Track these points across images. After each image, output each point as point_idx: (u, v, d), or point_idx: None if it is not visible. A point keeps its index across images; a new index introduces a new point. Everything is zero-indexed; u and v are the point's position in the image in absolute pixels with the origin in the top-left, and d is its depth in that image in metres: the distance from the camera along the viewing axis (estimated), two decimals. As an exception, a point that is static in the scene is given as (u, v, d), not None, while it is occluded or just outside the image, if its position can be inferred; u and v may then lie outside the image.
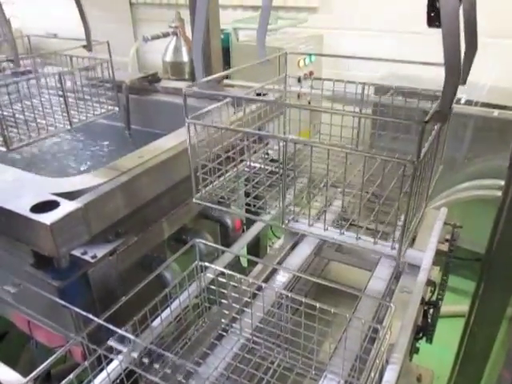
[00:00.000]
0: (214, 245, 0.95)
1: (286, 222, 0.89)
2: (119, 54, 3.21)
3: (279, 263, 1.23)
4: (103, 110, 1.25)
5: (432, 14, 1.02)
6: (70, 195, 0.86)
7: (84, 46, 1.25)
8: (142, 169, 0.99)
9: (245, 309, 0.95)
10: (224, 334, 0.97)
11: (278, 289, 0.91)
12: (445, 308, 1.29)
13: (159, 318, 0.90)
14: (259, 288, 0.94)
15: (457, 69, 0.59)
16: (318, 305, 0.81)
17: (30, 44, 1.45)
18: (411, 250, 1.16)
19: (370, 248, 0.84)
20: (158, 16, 3.61)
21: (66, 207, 0.80)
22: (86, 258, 0.90)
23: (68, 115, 1.15)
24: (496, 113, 1.93)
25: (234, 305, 0.95)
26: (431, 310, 1.21)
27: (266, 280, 1.12)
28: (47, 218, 0.75)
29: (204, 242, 0.94)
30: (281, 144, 0.77)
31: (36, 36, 1.50)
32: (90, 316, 0.68)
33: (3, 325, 1.83)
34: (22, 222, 0.78)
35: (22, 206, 0.79)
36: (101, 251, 0.92)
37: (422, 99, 0.98)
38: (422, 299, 1.12)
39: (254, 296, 0.95)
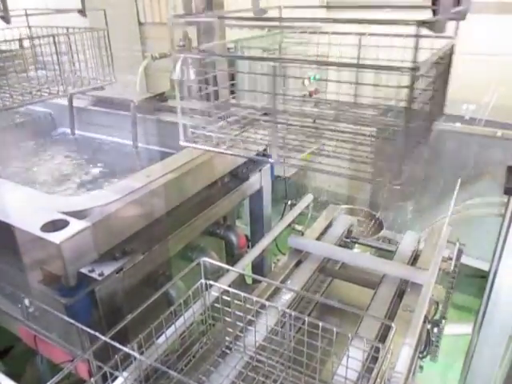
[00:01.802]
0: (219, 263, 0.96)
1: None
2: (128, 72, 3.27)
3: (283, 281, 1.24)
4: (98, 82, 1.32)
5: None
6: (79, 214, 0.89)
7: (79, 11, 1.35)
8: (149, 188, 1.01)
9: (248, 327, 0.96)
10: (228, 351, 0.98)
11: (282, 307, 0.93)
12: (450, 326, 1.29)
13: (164, 336, 0.92)
14: (263, 306, 0.95)
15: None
16: (320, 324, 0.82)
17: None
18: (414, 269, 1.17)
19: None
20: (166, 34, 3.67)
21: (75, 226, 0.82)
22: (94, 275, 0.92)
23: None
24: (499, 133, 1.95)
25: (237, 323, 0.97)
26: (435, 329, 1.22)
27: (271, 297, 1.13)
28: (57, 237, 0.78)
29: (210, 260, 0.96)
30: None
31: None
32: (97, 334, 0.69)
33: (9, 339, 1.84)
34: (33, 241, 0.81)
35: (33, 225, 0.81)
36: (108, 269, 0.94)
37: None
38: (426, 318, 1.13)
39: (258, 314, 0.96)
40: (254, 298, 0.93)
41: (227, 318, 0.98)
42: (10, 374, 1.86)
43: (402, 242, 1.41)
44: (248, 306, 0.93)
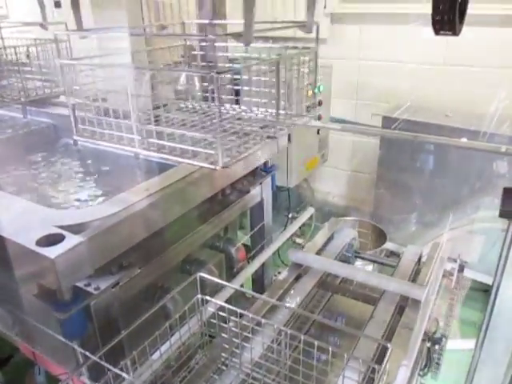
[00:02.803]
0: (216, 279, 0.95)
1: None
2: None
3: (282, 295, 1.23)
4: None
5: (437, 18, 1.05)
6: (75, 228, 0.89)
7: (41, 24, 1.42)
8: (147, 202, 1.01)
9: (245, 344, 0.95)
10: (224, 368, 0.97)
11: (278, 325, 0.92)
12: (453, 341, 1.27)
13: (158, 352, 0.91)
14: (259, 323, 0.94)
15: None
16: (316, 343, 0.81)
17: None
18: (414, 285, 1.16)
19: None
20: (170, 44, 3.70)
21: (71, 241, 0.82)
22: (89, 289, 0.92)
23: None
24: (503, 148, 1.93)
25: (234, 339, 0.96)
26: (436, 346, 1.20)
27: (269, 313, 1.12)
28: (52, 252, 0.77)
29: (206, 276, 0.95)
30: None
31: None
32: (86, 353, 0.68)
33: (8, 349, 1.84)
34: (28, 254, 0.80)
35: (29, 239, 0.81)
36: (104, 283, 0.94)
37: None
38: (426, 335, 1.12)
39: (255, 331, 0.95)
40: (250, 315, 0.92)
41: (224, 334, 0.97)
42: (8, 384, 1.85)
43: (403, 256, 1.40)
44: (244, 322, 0.93)
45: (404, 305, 1.13)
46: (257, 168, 1.46)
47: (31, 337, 1.04)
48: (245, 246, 1.57)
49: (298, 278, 1.31)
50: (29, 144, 1.68)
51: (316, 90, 2.93)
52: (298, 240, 1.58)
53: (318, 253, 1.41)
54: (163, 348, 0.91)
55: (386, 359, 0.77)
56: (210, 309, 0.96)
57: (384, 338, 1.04)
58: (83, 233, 0.87)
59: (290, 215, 2.76)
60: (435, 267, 1.23)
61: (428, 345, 1.12)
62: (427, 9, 1.05)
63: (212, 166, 0.87)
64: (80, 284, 0.92)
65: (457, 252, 1.37)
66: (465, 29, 1.10)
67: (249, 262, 1.42)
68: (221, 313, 0.93)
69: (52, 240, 0.81)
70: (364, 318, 1.14)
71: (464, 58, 2.64)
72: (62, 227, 0.87)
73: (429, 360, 1.17)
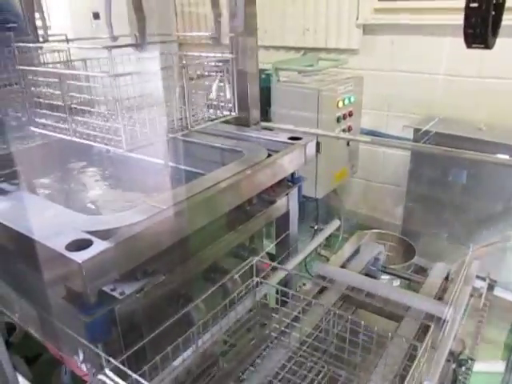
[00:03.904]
0: (272, 262, 1.16)
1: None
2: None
3: (305, 308, 1.23)
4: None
5: (469, 31, 1.04)
6: (103, 233, 0.91)
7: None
8: (174, 210, 1.03)
9: (294, 323, 1.09)
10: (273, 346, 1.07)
11: (327, 305, 1.09)
12: (481, 363, 1.24)
13: (181, 358, 0.93)
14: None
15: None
16: (362, 322, 0.95)
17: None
18: (440, 303, 1.13)
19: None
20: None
21: (98, 246, 0.84)
22: (115, 294, 0.94)
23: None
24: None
25: (284, 319, 1.10)
26: (463, 368, 1.16)
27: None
28: (79, 257, 0.80)
29: (262, 260, 1.16)
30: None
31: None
32: (110, 359, 0.70)
33: (37, 348, 1.90)
34: (58, 258, 0.83)
35: (59, 243, 0.84)
36: (129, 288, 0.96)
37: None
38: (452, 356, 1.09)
39: (303, 312, 1.11)
40: (302, 296, 1.11)
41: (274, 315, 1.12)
42: (36, 382, 1.91)
43: (430, 273, 1.37)
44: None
45: (429, 323, 1.11)
46: (284, 179, 1.46)
47: (57, 338, 1.07)
48: (270, 254, 1.57)
49: (321, 291, 1.30)
50: (63, 150, 1.74)
51: (346, 101, 2.92)
52: (324, 252, 1.57)
53: (343, 266, 1.40)
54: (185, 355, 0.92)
55: (427, 337, 0.86)
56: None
57: (407, 356, 1.02)
58: (111, 239, 0.90)
59: (316, 227, 2.74)
60: (463, 285, 1.19)
61: (453, 366, 1.09)
62: (461, 20, 1.04)
63: (117, 149, 1.11)
64: (106, 288, 0.94)
65: (487, 270, 1.33)
66: (499, 40, 1.08)
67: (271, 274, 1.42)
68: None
69: (80, 245, 0.84)
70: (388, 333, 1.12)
71: (499, 70, 2.58)
72: (90, 232, 0.90)
73: (454, 382, 1.14)
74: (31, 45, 1.35)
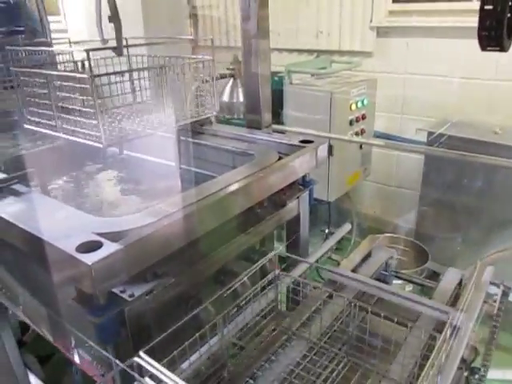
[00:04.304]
0: (294, 256, 1.23)
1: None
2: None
3: (315, 311, 1.23)
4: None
5: (484, 34, 1.02)
6: (114, 235, 0.92)
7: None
8: (184, 213, 1.03)
9: (314, 315, 1.15)
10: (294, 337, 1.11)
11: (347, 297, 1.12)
12: (495, 371, 1.22)
13: (187, 362, 0.93)
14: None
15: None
16: (382, 314, 1.01)
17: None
18: (452, 310, 1.11)
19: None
20: (217, 58, 3.78)
21: (108, 248, 0.85)
22: (124, 296, 0.94)
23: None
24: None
25: (304, 311, 1.16)
26: (475, 376, 1.15)
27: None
28: (89, 259, 0.81)
29: (286, 253, 1.24)
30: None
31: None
32: (116, 361, 0.70)
33: (50, 347, 1.92)
34: (68, 260, 0.84)
35: (69, 245, 0.85)
36: (138, 290, 0.96)
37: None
38: (464, 363, 1.07)
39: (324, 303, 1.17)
40: (323, 288, 1.18)
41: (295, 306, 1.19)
42: (49, 382, 1.93)
43: (443, 278, 1.36)
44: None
45: (440, 329, 1.09)
46: (295, 182, 1.46)
47: (66, 338, 1.08)
48: (280, 257, 1.56)
49: (331, 296, 1.29)
50: (76, 152, 1.76)
51: (360, 104, 2.91)
52: (335, 256, 1.55)
53: (354, 270, 1.38)
54: (193, 357, 0.92)
55: (446, 326, 0.91)
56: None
57: (418, 363, 1.01)
58: (121, 241, 0.90)
59: (327, 230, 2.73)
60: (476, 291, 1.17)
61: (466, 374, 1.07)
62: (476, 22, 1.02)
63: (97, 144, 1.22)
64: (116, 290, 0.95)
65: (502, 276, 1.31)
66: (516, 41, 1.06)
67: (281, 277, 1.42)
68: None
69: (90, 246, 0.85)
70: (398, 341, 1.10)
71: (516, 72, 2.54)
72: (101, 234, 0.91)
73: (466, 391, 1.12)
74: (28, 48, 1.50)
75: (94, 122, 1.19)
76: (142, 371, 0.78)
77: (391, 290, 1.20)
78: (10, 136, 1.88)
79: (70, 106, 1.29)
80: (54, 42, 2.10)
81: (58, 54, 1.55)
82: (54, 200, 1.14)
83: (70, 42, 1.74)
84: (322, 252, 1.34)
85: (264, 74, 1.72)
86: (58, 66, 1.57)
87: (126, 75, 1.38)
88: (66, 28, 4.67)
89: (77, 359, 1.23)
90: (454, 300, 1.23)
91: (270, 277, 1.17)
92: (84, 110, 1.23)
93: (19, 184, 1.17)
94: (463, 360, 1.05)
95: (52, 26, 2.87)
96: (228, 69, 3.13)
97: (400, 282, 1.57)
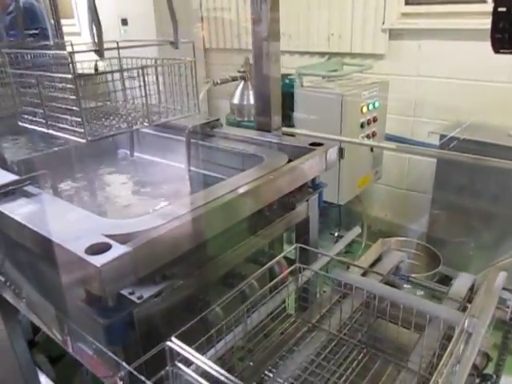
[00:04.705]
0: (313, 249, 1.26)
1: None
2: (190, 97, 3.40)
3: (324, 314, 1.22)
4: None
5: (497, 36, 1.01)
6: (123, 237, 0.92)
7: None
8: (191, 216, 1.03)
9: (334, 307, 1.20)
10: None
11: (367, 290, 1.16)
12: (507, 378, 1.20)
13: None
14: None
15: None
16: (401, 305, 1.06)
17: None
18: (463, 315, 1.09)
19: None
20: (229, 60, 3.80)
21: (117, 250, 0.85)
22: (133, 298, 0.95)
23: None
24: None
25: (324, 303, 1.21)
26: (488, 383, 1.13)
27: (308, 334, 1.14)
28: (98, 260, 0.81)
29: (306, 247, 1.24)
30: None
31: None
32: (123, 363, 0.71)
33: (61, 348, 1.93)
34: (77, 262, 0.85)
35: (78, 247, 0.85)
36: (147, 292, 0.96)
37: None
38: (476, 369, 1.05)
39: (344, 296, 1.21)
40: (343, 281, 1.19)
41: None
42: (60, 382, 1.94)
43: (454, 283, 1.34)
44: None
45: (451, 335, 1.08)
46: (304, 184, 1.45)
47: (76, 339, 1.09)
48: (289, 260, 1.56)
49: (340, 299, 1.28)
50: (87, 153, 1.78)
51: (371, 106, 2.89)
52: (344, 259, 1.54)
53: (364, 274, 1.37)
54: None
55: (466, 314, 0.94)
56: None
57: (428, 368, 1.00)
58: (130, 242, 0.91)
59: (337, 234, 2.71)
60: (488, 296, 1.15)
61: (477, 381, 1.05)
62: (489, 24, 1.01)
63: (80, 139, 1.30)
64: (124, 292, 0.95)
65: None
66: (531, 44, 1.05)
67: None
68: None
69: (99, 248, 0.85)
70: (408, 346, 1.09)
71: (531, 75, 2.51)
72: (110, 236, 0.91)
73: (478, 399, 1.10)
74: (24, 51, 1.58)
75: (79, 119, 1.28)
76: (173, 355, 0.83)
77: (401, 294, 1.19)
78: (23, 138, 1.91)
79: (58, 105, 1.40)
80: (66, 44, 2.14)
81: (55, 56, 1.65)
82: (65, 201, 1.14)
83: (72, 45, 1.81)
84: (332, 255, 1.33)
85: (274, 76, 1.71)
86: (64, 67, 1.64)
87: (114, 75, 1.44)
88: (79, 31, 4.74)
89: (85, 360, 1.24)
90: (466, 305, 1.21)
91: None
92: (70, 108, 1.34)
93: (31, 185, 1.18)
94: (475, 366, 1.03)
95: (66, 29, 2.91)
96: (239, 71, 3.14)
97: (411, 286, 1.56)
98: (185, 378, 0.79)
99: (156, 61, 1.46)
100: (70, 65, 1.24)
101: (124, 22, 3.84)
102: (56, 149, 1.72)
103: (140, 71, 1.36)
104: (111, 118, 1.47)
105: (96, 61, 1.79)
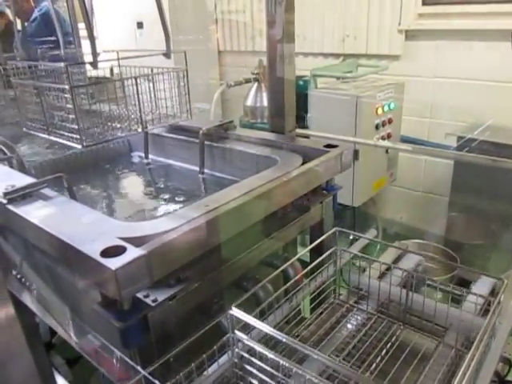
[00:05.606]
0: (353, 232, 1.30)
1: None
2: (204, 99, 3.42)
3: (340, 319, 1.21)
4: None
5: None
6: (137, 240, 0.92)
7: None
8: (206, 218, 1.03)
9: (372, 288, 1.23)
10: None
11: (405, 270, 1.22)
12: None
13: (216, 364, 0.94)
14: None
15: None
16: (438, 283, 1.13)
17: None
18: (483, 320, 1.07)
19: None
20: (243, 62, 3.80)
21: (132, 253, 0.85)
22: (148, 301, 0.94)
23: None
24: None
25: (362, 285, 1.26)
26: (510, 390, 1.10)
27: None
28: (113, 263, 0.81)
29: (344, 230, 1.28)
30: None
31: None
32: (138, 368, 0.70)
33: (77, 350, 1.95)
34: (92, 265, 0.85)
35: (93, 250, 0.85)
36: (161, 295, 0.96)
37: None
38: (498, 377, 1.03)
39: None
40: (381, 261, 1.28)
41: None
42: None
43: (473, 287, 1.31)
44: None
45: (473, 341, 1.05)
46: (318, 187, 1.44)
47: (90, 343, 1.09)
48: (304, 263, 1.54)
49: (356, 303, 1.27)
50: (103, 157, 1.80)
51: (386, 108, 2.85)
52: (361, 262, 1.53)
53: (380, 277, 1.35)
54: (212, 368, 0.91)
55: (501, 291, 0.98)
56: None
57: (448, 376, 0.97)
58: (144, 245, 0.91)
59: (351, 237, 2.68)
60: (509, 300, 1.13)
61: (498, 387, 1.03)
62: (510, 25, 0.99)
63: (76, 145, 1.42)
64: (139, 295, 0.95)
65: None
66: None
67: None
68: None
69: (114, 251, 0.85)
70: (426, 352, 1.07)
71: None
72: (125, 239, 0.91)
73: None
74: (31, 62, 1.66)
75: (76, 126, 1.40)
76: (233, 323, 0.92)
77: (418, 298, 1.17)
78: (39, 141, 1.93)
79: (57, 113, 1.53)
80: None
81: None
82: (80, 204, 1.15)
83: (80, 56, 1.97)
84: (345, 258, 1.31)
85: (288, 78, 1.71)
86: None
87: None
88: (96, 35, 4.79)
89: (100, 363, 1.24)
90: (486, 309, 1.18)
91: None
92: (68, 116, 1.46)
93: (48, 188, 1.19)
94: (496, 373, 1.01)
95: (83, 34, 2.95)
96: (253, 73, 3.14)
97: (428, 289, 1.53)
98: (244, 343, 0.90)
99: (152, 69, 1.55)
100: (115, 69, 1.40)
101: (140, 25, 3.88)
102: (71, 152, 1.73)
103: (133, 80, 1.46)
104: (109, 123, 1.56)
105: (112, 66, 1.82)
